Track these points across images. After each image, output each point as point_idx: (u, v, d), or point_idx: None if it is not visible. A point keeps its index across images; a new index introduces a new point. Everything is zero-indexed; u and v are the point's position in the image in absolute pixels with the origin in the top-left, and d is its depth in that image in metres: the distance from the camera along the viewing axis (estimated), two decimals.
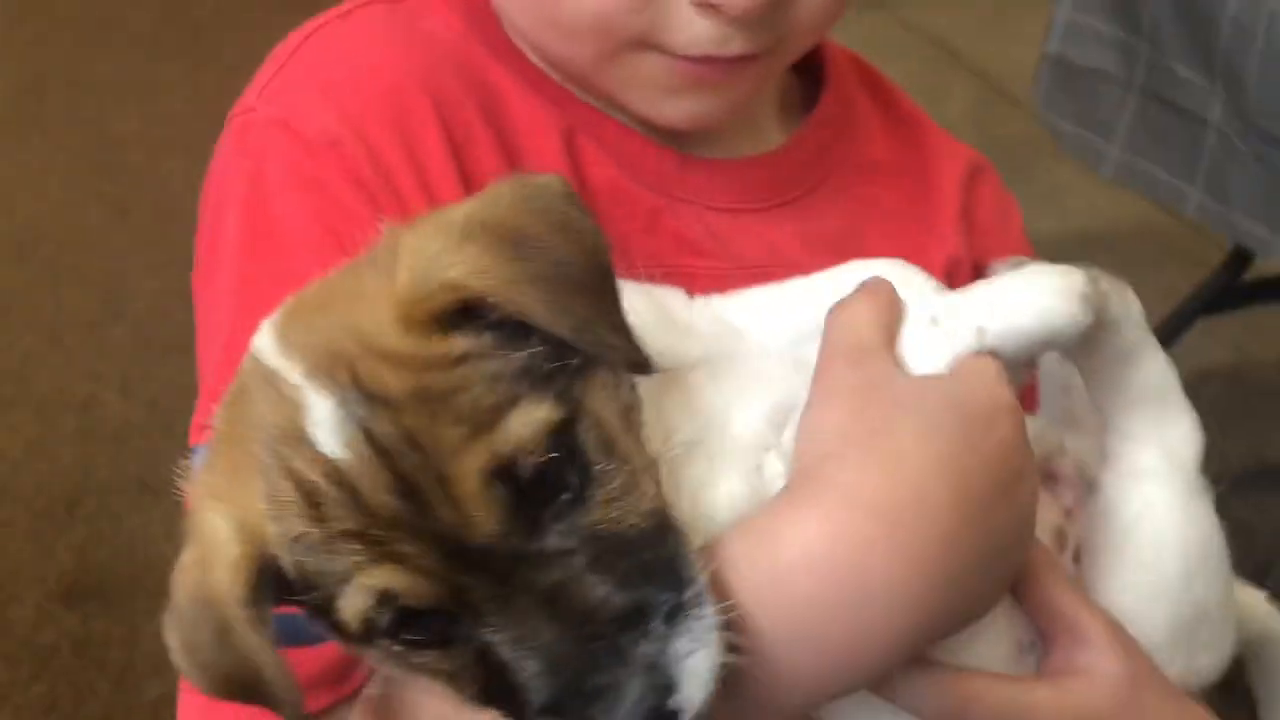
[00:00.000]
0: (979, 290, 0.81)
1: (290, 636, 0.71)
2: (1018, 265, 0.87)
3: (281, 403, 0.66)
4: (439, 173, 0.90)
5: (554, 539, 0.66)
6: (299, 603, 0.69)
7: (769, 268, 0.91)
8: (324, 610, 0.68)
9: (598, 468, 0.67)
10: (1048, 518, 0.88)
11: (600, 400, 0.69)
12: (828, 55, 1.11)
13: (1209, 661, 0.88)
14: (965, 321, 0.78)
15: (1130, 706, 0.80)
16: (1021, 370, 0.81)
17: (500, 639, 0.65)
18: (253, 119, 0.93)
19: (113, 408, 2.86)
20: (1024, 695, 0.79)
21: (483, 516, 0.64)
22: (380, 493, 0.64)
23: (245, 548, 0.67)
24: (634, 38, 0.92)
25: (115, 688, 2.28)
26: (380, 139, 0.90)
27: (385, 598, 0.65)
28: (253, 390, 0.69)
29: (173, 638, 0.71)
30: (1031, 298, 0.79)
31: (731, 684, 0.69)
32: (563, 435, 0.66)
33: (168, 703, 2.56)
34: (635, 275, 0.82)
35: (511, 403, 0.65)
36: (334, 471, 0.65)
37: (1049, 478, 0.92)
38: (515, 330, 0.67)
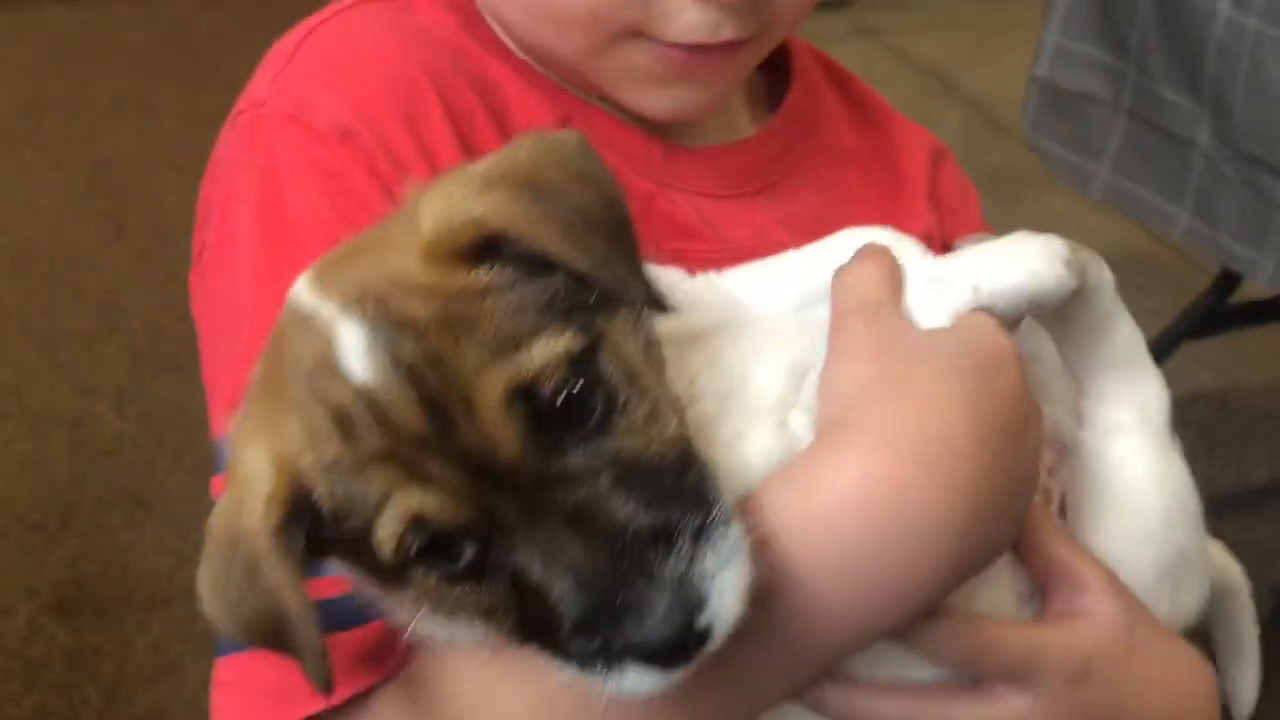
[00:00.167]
0: (970, 253, 0.86)
1: (329, 624, 0.72)
2: (983, 241, 0.90)
3: (315, 338, 0.69)
4: (448, 160, 0.92)
5: (577, 460, 0.67)
6: (332, 545, 0.70)
7: (757, 250, 0.94)
8: (358, 550, 0.69)
9: (620, 396, 0.69)
10: None
11: (621, 333, 0.71)
12: (793, 49, 1.15)
13: (1190, 601, 0.92)
14: (961, 281, 0.82)
15: (1128, 644, 0.84)
16: (1008, 332, 0.84)
17: (529, 560, 0.67)
18: (261, 113, 0.93)
19: (106, 422, 2.87)
20: (1036, 638, 0.83)
21: (506, 436, 0.66)
22: (408, 414, 0.66)
23: (279, 478, 0.68)
24: (625, 27, 0.94)
25: (107, 700, 2.28)
26: (391, 128, 0.92)
27: (417, 520, 0.66)
28: (288, 334, 0.71)
29: (204, 584, 0.72)
30: (1021, 259, 0.83)
31: (778, 625, 0.72)
32: (585, 363, 0.68)
33: (158, 715, 2.56)
34: None
35: (534, 332, 0.67)
36: (364, 395, 0.66)
37: None
38: (537, 268, 0.69)
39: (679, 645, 0.66)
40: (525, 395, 0.66)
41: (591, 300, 0.70)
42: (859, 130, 1.16)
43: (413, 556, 0.68)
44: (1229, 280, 2.72)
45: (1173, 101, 2.18)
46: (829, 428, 0.76)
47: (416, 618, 0.74)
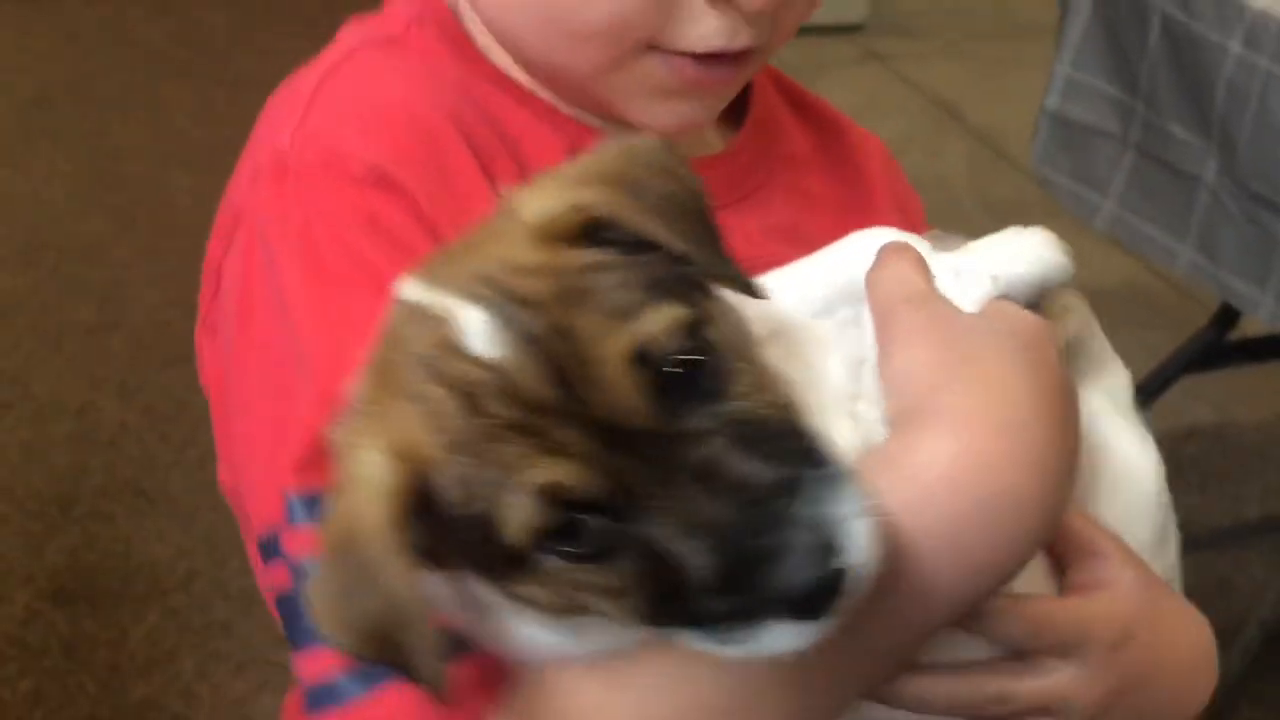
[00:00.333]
0: (978, 247, 0.90)
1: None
2: (941, 239, 0.93)
3: (432, 325, 0.69)
4: (480, 196, 0.92)
5: (698, 421, 0.68)
6: (443, 552, 0.70)
7: (753, 258, 0.97)
8: (473, 548, 0.69)
9: (729, 364, 0.70)
10: None
11: (722, 310, 0.73)
12: None
13: (1172, 551, 0.97)
14: (981, 271, 0.86)
15: (1149, 606, 0.88)
16: None
17: (660, 524, 0.67)
18: (291, 166, 0.92)
19: (109, 414, 2.89)
20: (1082, 611, 0.86)
21: (630, 396, 0.67)
22: (536, 384, 0.66)
23: (399, 467, 0.68)
24: (644, 40, 0.96)
25: (102, 688, 2.29)
26: (424, 168, 0.92)
27: (553, 492, 0.66)
28: (398, 331, 0.72)
29: (316, 597, 0.71)
30: (1029, 248, 0.89)
31: (893, 602, 0.73)
32: (694, 333, 0.70)
33: (153, 705, 2.57)
34: None
35: (643, 304, 0.69)
36: (489, 368, 0.67)
37: None
38: (636, 250, 0.71)
39: (823, 589, 0.65)
40: (645, 358, 0.67)
41: (689, 281, 0.72)
42: (813, 138, 1.19)
43: (543, 535, 0.67)
44: (1228, 316, 2.75)
45: (1180, 137, 2.21)
46: (909, 413, 0.78)
47: (527, 625, 0.73)
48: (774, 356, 0.78)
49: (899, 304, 0.83)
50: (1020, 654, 0.84)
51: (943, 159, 4.24)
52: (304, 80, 0.98)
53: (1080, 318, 0.96)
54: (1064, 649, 0.84)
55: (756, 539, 0.65)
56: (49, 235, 3.46)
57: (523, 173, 0.97)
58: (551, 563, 0.68)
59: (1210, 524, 2.80)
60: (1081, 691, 0.84)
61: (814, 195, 1.14)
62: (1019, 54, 4.44)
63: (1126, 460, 0.94)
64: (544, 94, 1.03)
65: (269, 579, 0.86)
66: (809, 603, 0.65)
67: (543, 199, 0.73)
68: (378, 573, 0.68)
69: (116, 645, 2.35)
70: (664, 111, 1.01)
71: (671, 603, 0.68)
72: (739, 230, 1.05)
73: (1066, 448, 0.80)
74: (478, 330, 0.68)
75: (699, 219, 0.75)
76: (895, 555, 0.72)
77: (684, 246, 0.71)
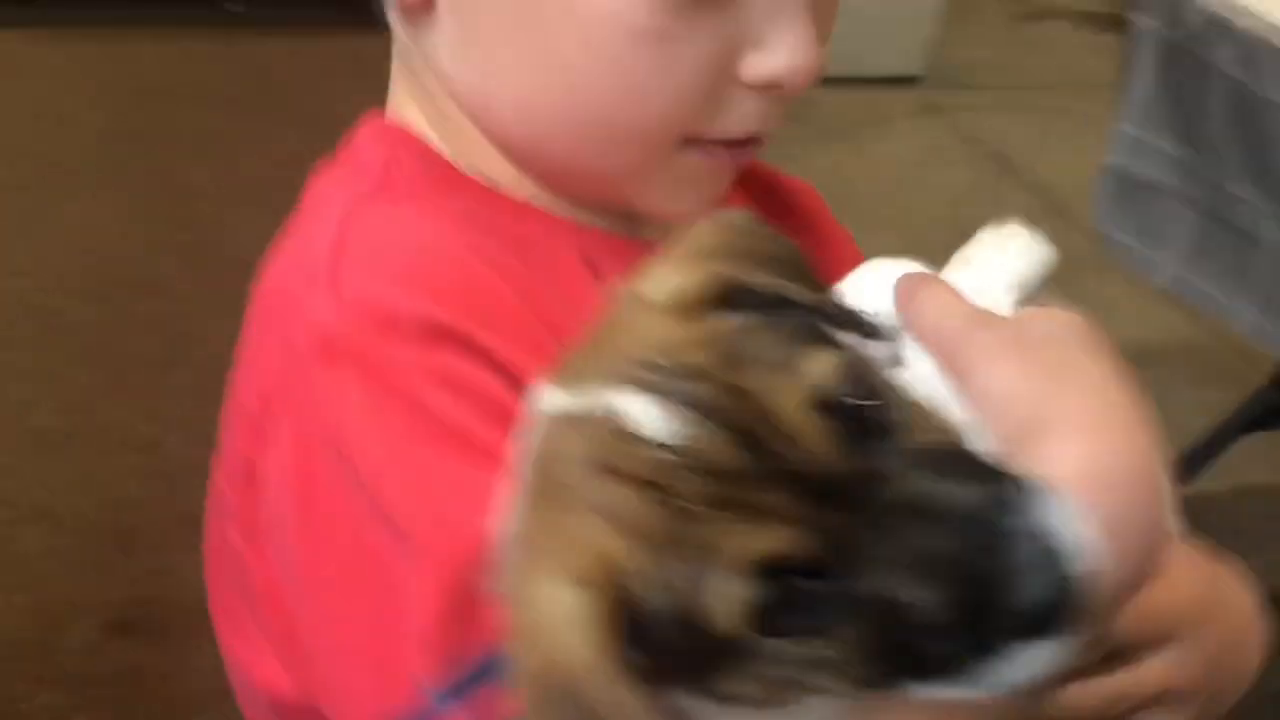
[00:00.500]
0: (975, 263, 0.87)
1: None
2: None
3: (592, 426, 0.65)
4: (529, 326, 0.89)
5: (887, 458, 0.65)
6: (657, 646, 0.63)
7: None
8: (684, 641, 0.63)
9: (895, 399, 0.68)
10: None
11: (859, 352, 0.71)
12: None
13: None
14: (998, 285, 0.85)
15: (1212, 581, 0.90)
16: None
17: (883, 571, 0.62)
18: (340, 344, 0.86)
19: (172, 448, 2.92)
20: (1173, 600, 0.84)
21: (819, 442, 0.63)
22: (725, 449, 0.62)
23: (595, 592, 0.62)
24: (687, 133, 0.93)
25: None
26: (471, 310, 0.87)
27: (770, 562, 0.61)
28: (552, 445, 0.67)
29: None
30: (1023, 245, 0.88)
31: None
32: (853, 373, 0.67)
33: None
34: None
35: (800, 355, 0.66)
36: (673, 450, 0.62)
37: None
38: (771, 311, 0.69)
39: (1060, 601, 0.61)
40: (824, 404, 0.64)
41: (818, 331, 0.70)
42: (744, 200, 1.11)
43: (760, 613, 0.62)
44: None
45: (1242, 197, 2.21)
46: (1025, 429, 0.73)
47: None
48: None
49: (961, 330, 0.78)
50: (1116, 651, 0.81)
51: (999, 213, 4.21)
52: (310, 251, 0.92)
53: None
54: (1163, 639, 0.84)
55: (988, 561, 0.61)
56: (118, 271, 3.52)
57: (557, 288, 0.93)
58: (770, 645, 0.63)
59: (1264, 586, 2.75)
60: (1185, 676, 0.85)
61: None
62: (1078, 109, 4.43)
63: None
64: (539, 201, 0.98)
65: None
66: (1051, 617, 0.62)
67: (668, 279, 0.70)
68: (607, 715, 0.61)
69: (175, 678, 2.37)
70: (691, 199, 0.97)
71: (900, 656, 0.63)
72: None
73: (1155, 431, 0.77)
74: (650, 414, 0.63)
75: (807, 275, 0.74)
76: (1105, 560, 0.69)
77: (811, 298, 0.71)
